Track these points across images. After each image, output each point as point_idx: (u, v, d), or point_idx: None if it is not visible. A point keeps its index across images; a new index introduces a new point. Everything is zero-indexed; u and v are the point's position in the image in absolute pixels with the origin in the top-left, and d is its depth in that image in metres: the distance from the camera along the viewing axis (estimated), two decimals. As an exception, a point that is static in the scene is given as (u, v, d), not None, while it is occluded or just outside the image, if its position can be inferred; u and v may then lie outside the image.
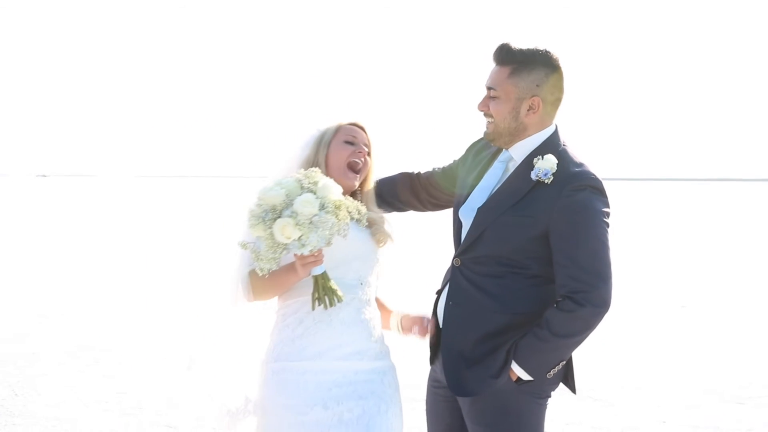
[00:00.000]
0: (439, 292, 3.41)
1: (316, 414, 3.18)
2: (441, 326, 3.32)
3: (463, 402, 3.28)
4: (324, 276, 3.15)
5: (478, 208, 3.24)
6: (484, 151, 3.44)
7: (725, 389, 7.50)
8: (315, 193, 3.01)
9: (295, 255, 3.10)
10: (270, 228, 3.00)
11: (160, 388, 7.22)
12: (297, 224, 2.96)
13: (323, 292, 3.15)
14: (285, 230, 2.96)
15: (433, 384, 3.47)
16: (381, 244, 3.43)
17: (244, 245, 3.10)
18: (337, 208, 3.02)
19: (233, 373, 3.37)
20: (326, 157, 3.35)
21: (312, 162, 3.35)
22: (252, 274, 3.23)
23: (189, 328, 9.76)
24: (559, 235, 3.09)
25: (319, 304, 3.16)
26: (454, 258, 3.32)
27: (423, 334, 3.41)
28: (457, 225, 3.36)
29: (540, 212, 3.11)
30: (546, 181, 3.12)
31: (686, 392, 7.41)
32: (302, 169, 3.24)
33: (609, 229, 3.13)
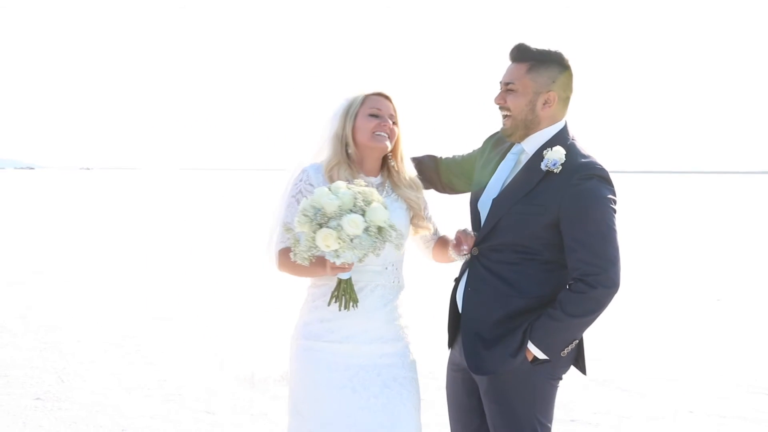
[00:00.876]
0: (457, 280, 3.60)
1: (346, 395, 3.39)
2: (460, 311, 3.50)
3: (480, 381, 3.46)
4: (347, 282, 3.35)
5: (493, 199, 3.44)
6: (499, 146, 3.64)
7: (755, 381, 7.55)
8: (365, 214, 3.16)
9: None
10: (314, 231, 3.17)
11: (199, 376, 7.41)
12: (339, 238, 3.13)
13: (342, 294, 3.35)
14: (326, 239, 3.14)
15: (452, 367, 3.67)
16: (421, 230, 3.61)
17: (288, 229, 3.31)
18: (379, 231, 3.18)
19: (247, 348, 3.60)
20: (353, 129, 3.49)
21: (340, 136, 3.50)
22: (282, 251, 3.44)
23: (227, 318, 10.00)
24: (569, 221, 3.27)
25: (336, 302, 3.36)
26: (472, 247, 3.49)
27: (469, 242, 3.44)
28: (475, 216, 3.55)
29: (550, 201, 3.29)
30: (555, 171, 3.30)
31: (716, 384, 7.47)
32: (343, 162, 3.44)
33: (616, 216, 3.30)
